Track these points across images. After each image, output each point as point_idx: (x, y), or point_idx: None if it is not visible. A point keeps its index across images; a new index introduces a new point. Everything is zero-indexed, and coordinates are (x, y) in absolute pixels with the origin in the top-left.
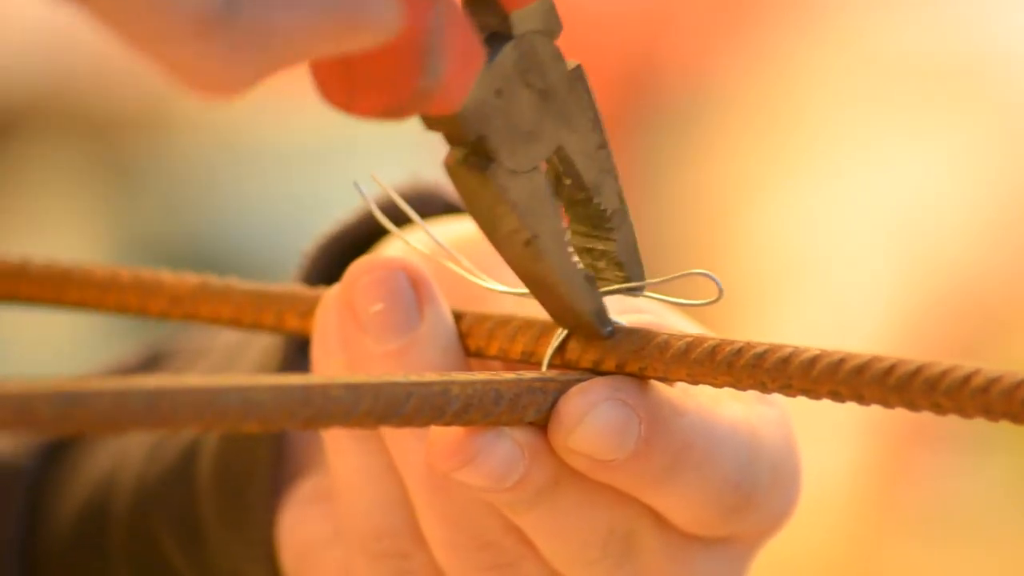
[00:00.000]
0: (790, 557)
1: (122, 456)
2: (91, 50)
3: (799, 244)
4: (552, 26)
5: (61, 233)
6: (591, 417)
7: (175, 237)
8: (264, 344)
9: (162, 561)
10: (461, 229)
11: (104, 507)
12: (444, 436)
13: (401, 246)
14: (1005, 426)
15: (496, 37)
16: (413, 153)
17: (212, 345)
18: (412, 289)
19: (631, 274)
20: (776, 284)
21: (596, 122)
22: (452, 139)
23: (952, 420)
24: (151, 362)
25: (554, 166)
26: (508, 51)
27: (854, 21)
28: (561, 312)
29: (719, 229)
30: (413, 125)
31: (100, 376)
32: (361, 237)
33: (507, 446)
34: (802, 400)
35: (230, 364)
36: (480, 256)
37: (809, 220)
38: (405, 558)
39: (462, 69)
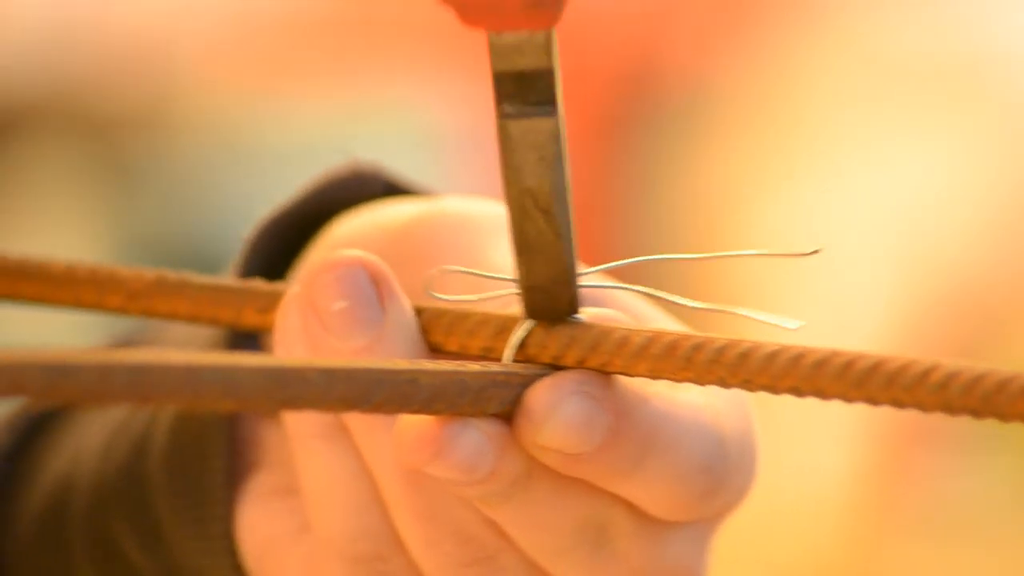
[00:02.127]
0: (790, 557)
1: (79, 454)
2: (91, 50)
3: (799, 244)
4: None
5: (61, 233)
6: (559, 412)
7: (175, 237)
8: (207, 335)
9: (123, 560)
10: (411, 211)
11: (64, 506)
12: (411, 429)
13: (332, 242)
14: (1005, 426)
15: None
16: (412, 152)
17: (164, 337)
18: (373, 285)
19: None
20: (776, 284)
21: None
22: (509, 78)
23: (952, 420)
24: None
25: None
26: None
27: (854, 21)
28: (547, 286)
29: (719, 229)
30: (411, 125)
31: (85, 350)
32: (301, 219)
33: (474, 435)
34: (802, 400)
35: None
36: (430, 241)
37: (809, 220)
38: (382, 560)
39: None
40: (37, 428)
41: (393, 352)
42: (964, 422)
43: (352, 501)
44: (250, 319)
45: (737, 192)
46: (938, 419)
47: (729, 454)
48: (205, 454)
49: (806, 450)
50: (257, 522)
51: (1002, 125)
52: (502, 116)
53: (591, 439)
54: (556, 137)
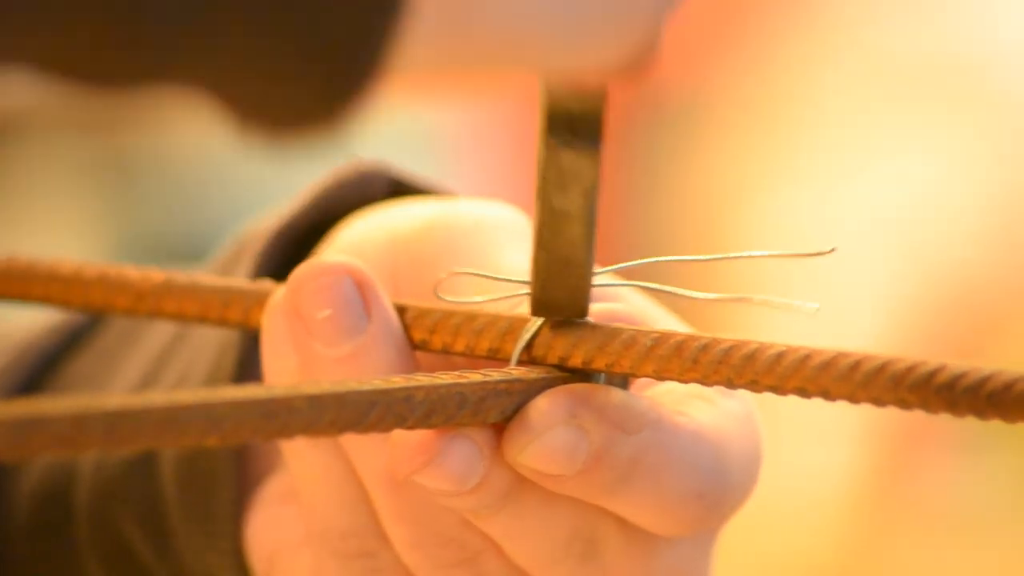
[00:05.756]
0: (790, 557)
1: None
2: None
3: (798, 244)
4: None
5: (61, 233)
6: (540, 441)
7: (175, 237)
8: (219, 334)
9: (130, 554)
10: (421, 215)
11: (64, 492)
12: (402, 439)
13: (342, 246)
14: (1005, 425)
15: None
16: (412, 151)
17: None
18: (358, 292)
19: None
20: (775, 285)
21: None
22: (563, 120)
23: (952, 420)
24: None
25: None
26: None
27: (853, 22)
28: (564, 294)
29: (718, 229)
30: (411, 125)
31: (55, 399)
32: (308, 224)
33: (466, 446)
34: (801, 400)
35: (179, 339)
36: (442, 246)
37: (809, 220)
38: (372, 557)
39: None
40: (24, 390)
41: (379, 357)
42: (964, 422)
43: (341, 500)
44: (257, 320)
45: (737, 193)
46: (938, 419)
47: (729, 479)
48: (215, 465)
49: (806, 450)
50: (266, 530)
51: (1002, 126)
52: (549, 144)
53: (571, 465)
54: (597, 170)
